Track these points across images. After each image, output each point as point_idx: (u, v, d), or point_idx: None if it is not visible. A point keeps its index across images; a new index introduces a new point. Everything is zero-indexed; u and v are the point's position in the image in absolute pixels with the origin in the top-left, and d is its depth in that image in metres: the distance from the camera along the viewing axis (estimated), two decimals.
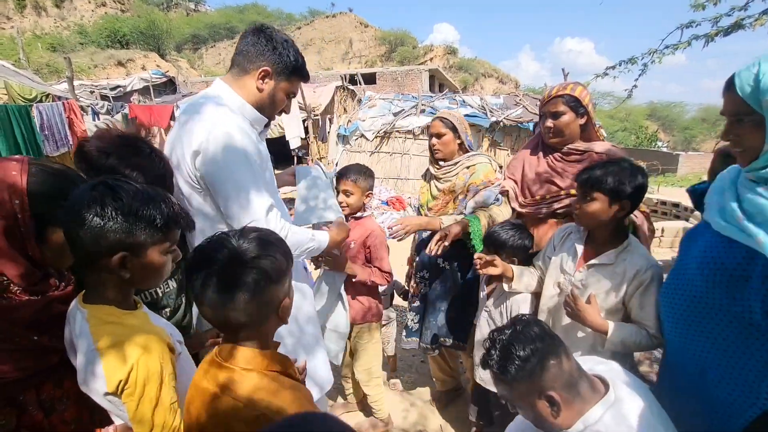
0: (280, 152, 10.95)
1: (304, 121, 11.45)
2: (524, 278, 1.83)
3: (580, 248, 1.64)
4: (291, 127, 10.37)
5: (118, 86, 15.21)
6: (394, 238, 2.11)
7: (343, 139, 11.49)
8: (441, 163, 2.30)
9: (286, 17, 42.28)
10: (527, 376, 1.07)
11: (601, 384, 1.14)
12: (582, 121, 1.89)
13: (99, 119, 7.53)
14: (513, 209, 2.14)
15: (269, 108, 1.48)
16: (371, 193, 2.18)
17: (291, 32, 34.81)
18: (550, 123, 1.91)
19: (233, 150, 1.30)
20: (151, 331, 0.94)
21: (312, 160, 12.35)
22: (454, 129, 2.24)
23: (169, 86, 17.77)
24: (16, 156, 0.99)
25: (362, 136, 11.13)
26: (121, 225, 0.87)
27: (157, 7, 34.73)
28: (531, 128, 9.86)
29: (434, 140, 2.27)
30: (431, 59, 32.19)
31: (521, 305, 1.87)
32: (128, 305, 0.97)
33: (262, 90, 1.42)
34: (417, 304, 2.36)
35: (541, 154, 2.04)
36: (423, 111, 10.89)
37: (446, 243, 1.98)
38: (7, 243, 0.92)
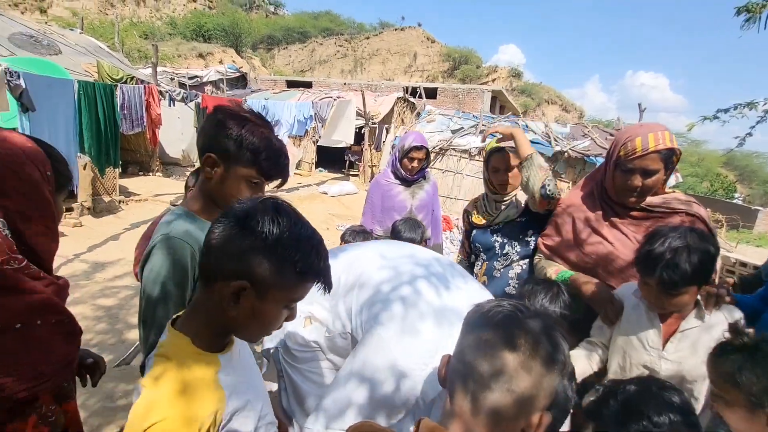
0: (331, 155, 11.07)
1: (361, 128, 11.56)
2: (578, 363, 1.47)
3: (656, 318, 1.41)
4: (345, 129, 10.48)
5: (196, 76, 16.22)
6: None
7: None
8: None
9: (357, 27, 43.49)
10: None
11: None
12: (665, 176, 1.53)
13: (174, 105, 7.96)
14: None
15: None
16: None
17: (360, 41, 35.76)
18: (639, 181, 1.51)
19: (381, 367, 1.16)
20: (202, 390, 0.76)
21: (364, 166, 12.43)
22: None
23: (240, 81, 18.72)
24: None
25: None
26: (263, 251, 0.73)
27: (240, 7, 37.01)
28: (598, 163, 9.30)
29: (504, 175, 2.01)
30: (494, 80, 31.74)
31: None
32: (211, 346, 0.82)
33: None
34: None
35: (600, 212, 1.66)
36: (482, 132, 10.63)
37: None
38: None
